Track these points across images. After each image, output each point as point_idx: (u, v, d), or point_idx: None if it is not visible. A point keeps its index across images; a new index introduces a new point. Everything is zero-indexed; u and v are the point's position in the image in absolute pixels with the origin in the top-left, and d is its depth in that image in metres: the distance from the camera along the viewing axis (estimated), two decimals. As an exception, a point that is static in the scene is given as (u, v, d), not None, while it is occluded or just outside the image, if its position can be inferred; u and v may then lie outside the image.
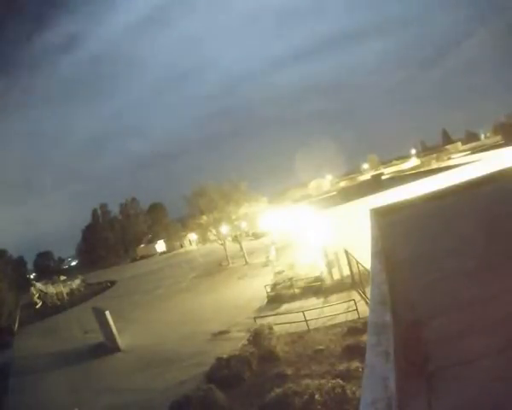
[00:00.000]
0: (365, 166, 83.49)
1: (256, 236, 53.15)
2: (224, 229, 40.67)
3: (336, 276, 20.70)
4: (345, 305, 16.49)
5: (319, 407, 9.89)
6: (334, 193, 36.52)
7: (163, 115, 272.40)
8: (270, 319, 17.49)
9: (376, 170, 67.69)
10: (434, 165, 48.18)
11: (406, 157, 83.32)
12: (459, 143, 79.61)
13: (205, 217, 41.98)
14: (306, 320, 15.99)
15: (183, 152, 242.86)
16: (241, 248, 39.25)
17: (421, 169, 42.78)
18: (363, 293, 16.75)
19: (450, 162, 39.84)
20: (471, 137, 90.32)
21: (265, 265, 33.08)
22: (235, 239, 41.92)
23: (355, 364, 11.19)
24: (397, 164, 76.03)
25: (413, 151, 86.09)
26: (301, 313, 16.37)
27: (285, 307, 20.21)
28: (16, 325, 39.48)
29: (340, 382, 10.40)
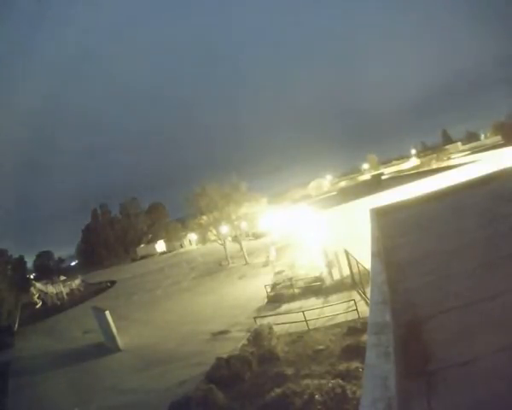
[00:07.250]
0: (365, 166, 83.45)
1: (256, 236, 53.14)
2: (224, 229, 40.70)
3: (336, 276, 20.69)
4: (345, 305, 16.49)
5: (319, 407, 9.88)
6: (334, 193, 36.57)
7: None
8: (270, 319, 17.48)
9: (376, 170, 67.74)
10: (434, 165, 48.24)
11: (406, 157, 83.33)
12: (459, 143, 79.53)
13: (205, 217, 42.03)
14: (306, 320, 16.00)
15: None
16: (241, 248, 39.24)
17: (421, 169, 42.83)
18: (363, 293, 16.76)
19: (451, 162, 39.98)
20: (471, 137, 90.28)
21: (265, 265, 33.07)
22: (235, 239, 41.93)
23: (355, 364, 11.18)
24: (397, 164, 76.11)
25: (413, 151, 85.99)
26: (301, 313, 16.39)
27: (285, 307, 20.21)
28: (16, 325, 39.47)
29: (340, 382, 10.40)
